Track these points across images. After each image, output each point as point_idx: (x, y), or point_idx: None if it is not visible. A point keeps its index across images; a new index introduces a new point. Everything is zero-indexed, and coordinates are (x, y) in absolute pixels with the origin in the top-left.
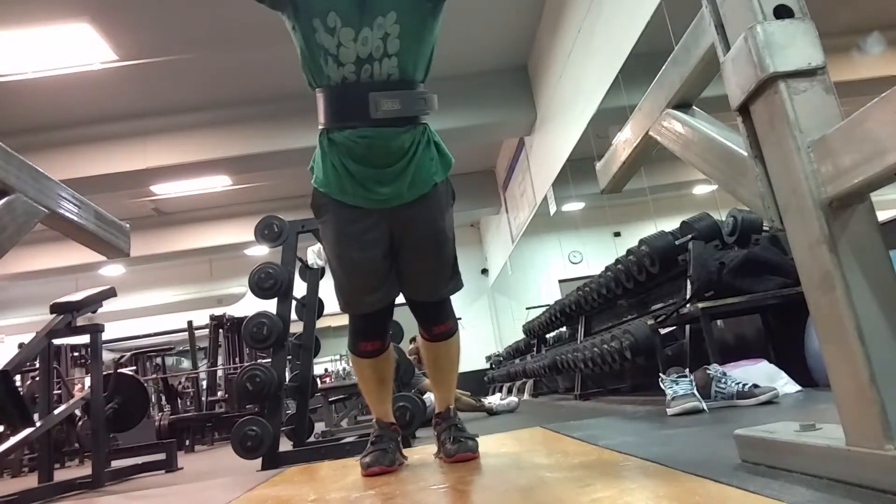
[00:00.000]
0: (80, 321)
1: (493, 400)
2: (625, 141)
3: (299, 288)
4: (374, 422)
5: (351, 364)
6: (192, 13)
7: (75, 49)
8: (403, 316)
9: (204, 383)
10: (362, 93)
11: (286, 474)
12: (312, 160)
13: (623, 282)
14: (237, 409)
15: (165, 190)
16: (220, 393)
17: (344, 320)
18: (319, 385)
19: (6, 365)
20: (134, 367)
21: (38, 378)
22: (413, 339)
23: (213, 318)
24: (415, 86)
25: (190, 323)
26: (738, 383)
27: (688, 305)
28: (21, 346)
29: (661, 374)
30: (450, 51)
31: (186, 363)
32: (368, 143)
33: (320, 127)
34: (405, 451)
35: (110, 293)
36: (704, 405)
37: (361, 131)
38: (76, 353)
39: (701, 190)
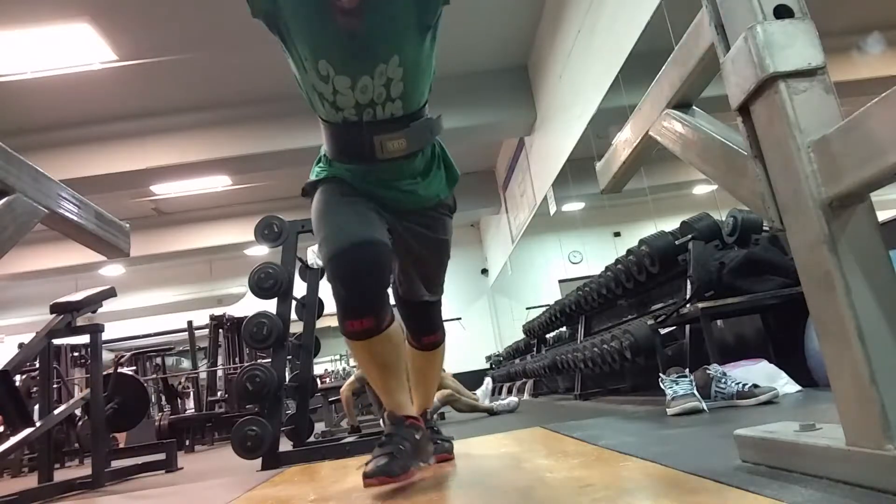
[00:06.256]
0: (80, 321)
1: (478, 393)
2: (625, 141)
3: (299, 288)
4: (385, 415)
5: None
6: (192, 13)
7: (75, 49)
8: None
9: (204, 383)
10: (366, 135)
11: (286, 474)
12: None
13: (623, 282)
14: (237, 409)
15: (165, 190)
16: (220, 393)
17: None
18: (319, 385)
19: (6, 365)
20: (134, 367)
21: (35, 376)
22: None
23: (213, 318)
24: (420, 115)
25: (190, 323)
26: (738, 383)
27: (688, 305)
28: (21, 346)
29: (661, 374)
30: (450, 51)
31: (186, 363)
32: (376, 176)
33: (324, 151)
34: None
35: (110, 293)
36: (704, 405)
37: (367, 167)
38: (76, 353)
39: (701, 190)
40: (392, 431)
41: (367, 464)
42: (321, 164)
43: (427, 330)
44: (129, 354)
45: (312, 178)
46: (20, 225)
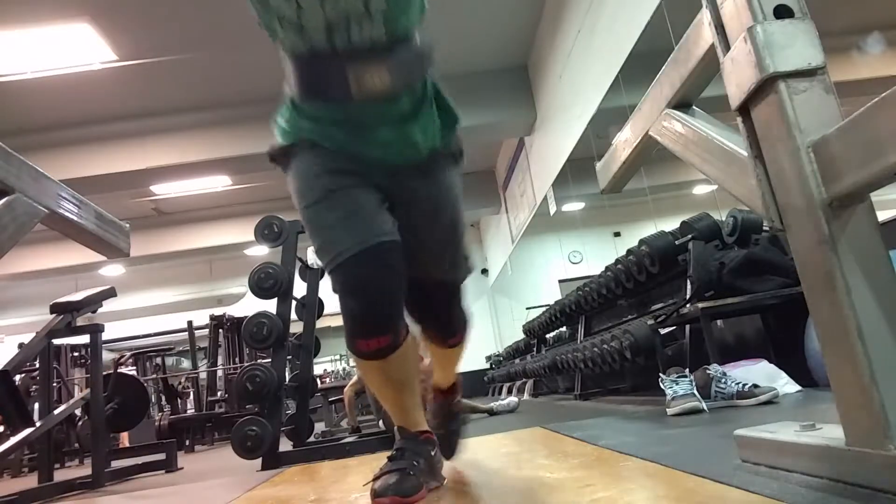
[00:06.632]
0: (80, 321)
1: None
2: (625, 141)
3: (299, 288)
4: (396, 430)
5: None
6: (191, 13)
7: (75, 49)
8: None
9: (204, 383)
10: (338, 65)
11: (286, 474)
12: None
13: (623, 282)
14: (237, 409)
15: (165, 190)
16: (220, 393)
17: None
18: (319, 385)
19: (6, 365)
20: (134, 368)
21: (35, 376)
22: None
23: (213, 318)
24: (408, 42)
25: (190, 323)
26: (738, 383)
27: (688, 305)
28: (21, 346)
29: (661, 374)
30: (450, 50)
31: (186, 363)
32: (351, 120)
33: (287, 92)
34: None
35: (110, 293)
36: (704, 405)
37: (339, 109)
38: (76, 353)
39: (701, 190)
40: (403, 446)
41: (375, 479)
42: (285, 117)
43: (447, 328)
44: (129, 354)
45: (278, 138)
46: (20, 225)
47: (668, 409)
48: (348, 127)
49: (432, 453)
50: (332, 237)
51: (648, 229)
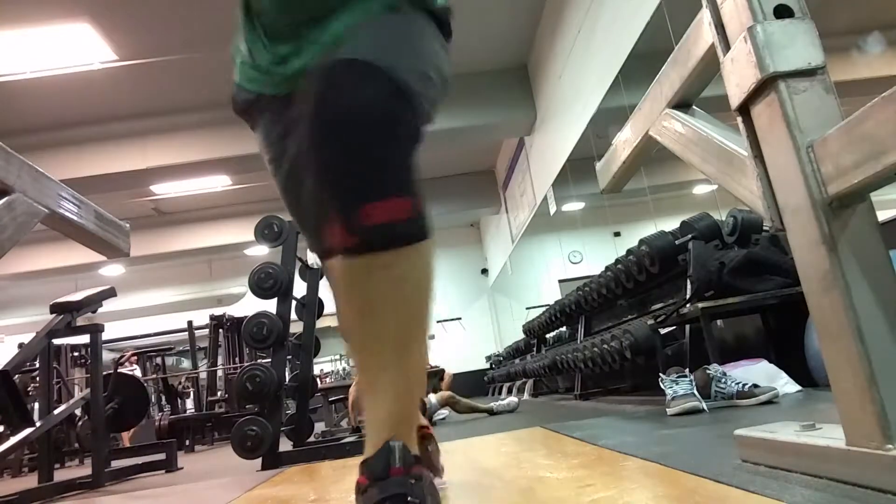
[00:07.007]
0: (80, 321)
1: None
2: (625, 141)
3: (299, 288)
4: None
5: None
6: (192, 13)
7: (75, 49)
8: None
9: (204, 383)
10: None
11: (286, 474)
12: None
13: (623, 282)
14: (237, 409)
15: (165, 190)
16: (220, 393)
17: None
18: (319, 385)
19: (6, 365)
20: (134, 368)
21: (34, 375)
22: None
23: (213, 318)
24: None
25: (190, 323)
26: (738, 383)
27: (688, 305)
28: (21, 346)
29: (661, 374)
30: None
31: (186, 363)
32: (303, 14)
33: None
34: None
35: (110, 293)
36: (704, 405)
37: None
38: (76, 353)
39: (701, 190)
40: None
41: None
42: (241, 51)
43: (365, 170)
44: (129, 354)
45: (234, 81)
46: (20, 225)
47: (668, 409)
48: (297, 35)
49: (429, 449)
50: (304, 228)
51: (648, 229)
